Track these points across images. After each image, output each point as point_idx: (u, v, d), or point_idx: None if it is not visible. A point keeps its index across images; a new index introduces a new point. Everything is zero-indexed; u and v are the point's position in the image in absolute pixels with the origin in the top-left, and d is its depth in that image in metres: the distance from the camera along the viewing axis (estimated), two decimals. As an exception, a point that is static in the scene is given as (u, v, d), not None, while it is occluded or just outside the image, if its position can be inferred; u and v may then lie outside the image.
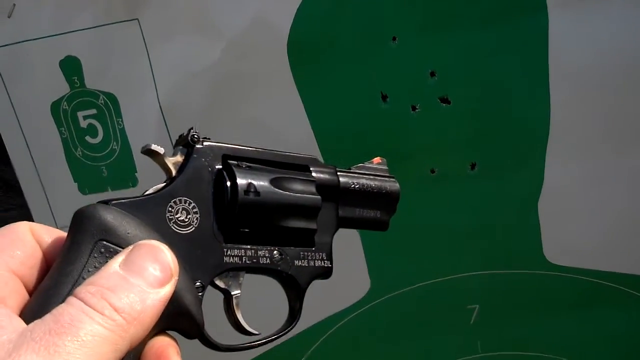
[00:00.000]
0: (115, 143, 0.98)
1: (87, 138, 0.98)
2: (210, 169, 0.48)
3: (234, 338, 0.50)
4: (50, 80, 0.95)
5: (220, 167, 0.49)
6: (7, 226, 0.43)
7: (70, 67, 0.95)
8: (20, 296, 0.40)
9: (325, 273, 0.54)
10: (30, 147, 0.99)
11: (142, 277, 0.39)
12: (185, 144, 0.48)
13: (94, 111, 0.97)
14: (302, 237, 0.52)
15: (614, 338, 1.01)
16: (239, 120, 0.93)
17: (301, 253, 0.52)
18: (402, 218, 0.95)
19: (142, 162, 0.97)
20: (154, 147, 0.47)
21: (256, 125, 0.93)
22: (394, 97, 0.91)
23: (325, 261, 0.54)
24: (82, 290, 0.37)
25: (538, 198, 0.94)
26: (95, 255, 0.41)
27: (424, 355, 1.05)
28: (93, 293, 0.37)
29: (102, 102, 0.96)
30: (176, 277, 0.41)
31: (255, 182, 0.49)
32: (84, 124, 0.98)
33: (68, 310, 0.36)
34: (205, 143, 0.48)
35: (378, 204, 0.58)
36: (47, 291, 0.40)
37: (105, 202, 0.44)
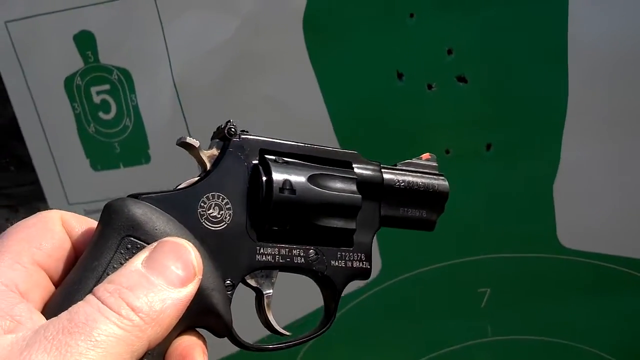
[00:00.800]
0: (128, 119, 0.97)
1: (100, 114, 0.98)
2: (246, 163, 0.47)
3: (257, 331, 0.50)
4: (64, 54, 0.95)
5: (257, 162, 0.47)
6: (37, 214, 0.43)
7: (85, 41, 0.94)
8: (44, 289, 0.40)
9: (363, 274, 0.52)
10: (43, 123, 0.99)
11: (163, 275, 0.38)
12: (222, 137, 0.47)
13: (107, 87, 0.96)
14: (340, 237, 0.50)
15: (627, 323, 1.00)
16: (253, 98, 0.93)
17: (339, 253, 0.50)
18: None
19: (154, 139, 0.97)
20: (189, 140, 0.46)
21: (270, 103, 0.93)
22: (410, 75, 0.90)
23: (364, 262, 0.51)
24: (101, 288, 0.37)
25: (554, 180, 0.93)
26: (122, 251, 0.40)
27: (433, 338, 1.04)
28: (111, 292, 0.36)
29: (116, 77, 0.96)
30: (199, 277, 0.40)
31: (292, 179, 0.47)
32: (97, 99, 0.97)
33: (84, 308, 0.35)
34: (242, 136, 0.47)
35: (424, 202, 0.55)
36: (70, 286, 0.40)
37: (136, 196, 0.43)
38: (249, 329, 0.51)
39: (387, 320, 1.04)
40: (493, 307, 1.01)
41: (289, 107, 0.92)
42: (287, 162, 0.48)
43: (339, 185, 0.49)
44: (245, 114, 0.92)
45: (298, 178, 0.47)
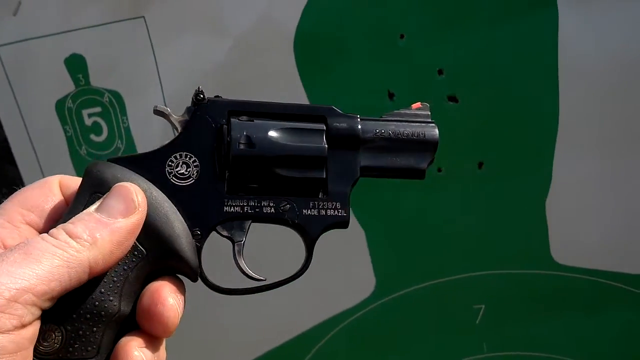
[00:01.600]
0: (119, 141, 0.97)
1: (92, 136, 0.98)
2: (214, 124, 0.51)
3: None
4: (56, 78, 0.95)
5: (224, 122, 0.51)
6: (39, 180, 0.50)
7: (76, 65, 0.95)
8: None
9: (340, 223, 0.53)
10: (34, 145, 0.99)
11: (106, 211, 0.45)
12: (192, 102, 0.51)
13: (98, 109, 0.97)
14: (311, 187, 0.52)
15: (620, 340, 1.00)
16: None
17: (311, 202, 0.52)
18: (408, 216, 0.96)
19: None
20: (160, 107, 0.52)
21: None
22: (401, 95, 0.91)
23: (339, 210, 0.53)
24: (53, 228, 0.44)
25: (546, 197, 0.93)
26: (90, 205, 0.46)
27: (429, 355, 1.04)
28: (57, 227, 0.43)
29: (107, 100, 0.96)
30: (141, 209, 0.46)
31: (252, 134, 0.50)
32: (88, 122, 0.97)
33: (33, 239, 0.42)
34: (211, 100, 0.51)
35: (411, 151, 0.55)
36: None
37: (112, 159, 0.49)
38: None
39: (382, 336, 1.04)
40: (488, 324, 1.02)
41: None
42: (251, 120, 0.51)
43: (303, 137, 0.52)
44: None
45: (259, 133, 0.50)
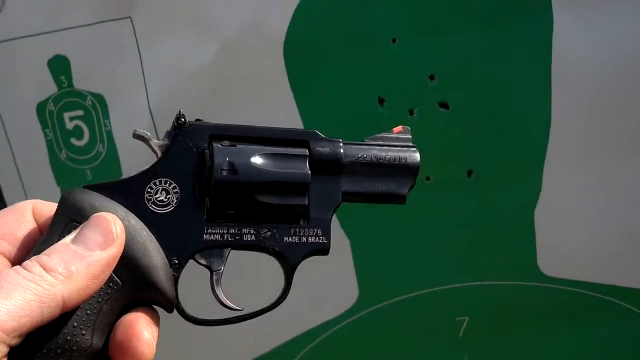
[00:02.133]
0: (101, 146, 0.95)
1: (73, 140, 0.96)
2: (195, 149, 0.50)
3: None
4: (38, 79, 0.93)
5: (205, 147, 0.50)
6: (11, 206, 0.48)
7: (59, 66, 0.93)
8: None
9: (321, 250, 0.53)
10: (13, 149, 0.97)
11: (83, 243, 0.43)
12: (173, 126, 0.51)
13: (80, 112, 0.95)
14: (293, 214, 0.52)
15: (607, 353, 1.00)
16: (231, 123, 0.91)
17: (292, 230, 0.52)
18: (393, 225, 0.95)
19: (128, 167, 0.95)
20: (140, 131, 0.50)
21: None
22: (392, 100, 0.90)
23: (321, 237, 0.53)
24: (27, 259, 0.42)
25: (535, 207, 0.93)
26: (66, 235, 0.44)
27: (411, 367, 1.03)
28: (31, 259, 0.42)
29: (90, 103, 0.94)
30: (119, 241, 0.44)
31: (235, 160, 0.50)
32: (70, 125, 0.95)
33: (5, 272, 0.40)
34: (192, 124, 0.50)
35: (392, 176, 0.55)
36: None
37: (87, 187, 0.48)
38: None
39: (365, 349, 1.02)
40: (471, 336, 1.01)
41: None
42: (234, 144, 0.51)
43: (286, 163, 0.51)
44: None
45: (241, 159, 0.50)
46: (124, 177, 0.49)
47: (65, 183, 0.98)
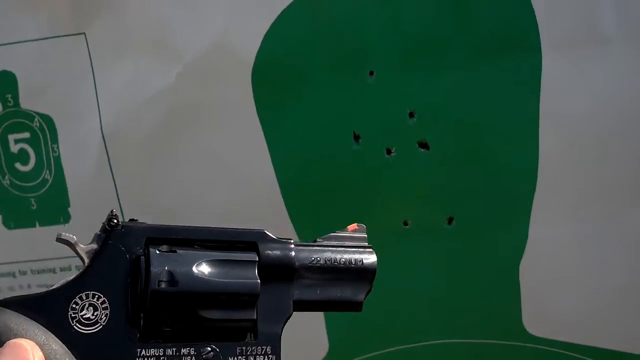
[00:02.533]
0: (48, 172, 0.91)
1: (17, 165, 0.91)
2: (128, 255, 0.45)
3: None
4: (-19, 97, 0.89)
5: (141, 252, 0.45)
6: None
7: (5, 83, 0.89)
8: None
9: None
10: (-50, 172, 0.92)
11: None
12: (103, 228, 0.45)
13: (27, 135, 0.90)
14: (239, 329, 0.47)
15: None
16: (191, 152, 0.87)
17: (238, 348, 0.47)
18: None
19: (76, 196, 0.90)
20: (64, 235, 0.45)
21: (212, 160, 0.87)
22: (368, 137, 0.86)
23: (269, 355, 0.48)
24: None
25: (520, 260, 0.88)
26: None
27: None
28: None
29: (37, 124, 0.89)
30: None
31: (175, 269, 0.44)
32: (14, 148, 0.91)
33: None
34: (126, 226, 0.45)
35: (348, 281, 0.51)
36: None
37: (2, 302, 0.43)
38: None
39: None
40: (450, 397, 0.95)
41: (231, 165, 0.87)
42: (173, 250, 0.46)
43: (233, 271, 0.47)
44: (182, 170, 0.88)
45: (182, 268, 0.45)
46: (48, 289, 0.44)
47: (8, 212, 0.93)
